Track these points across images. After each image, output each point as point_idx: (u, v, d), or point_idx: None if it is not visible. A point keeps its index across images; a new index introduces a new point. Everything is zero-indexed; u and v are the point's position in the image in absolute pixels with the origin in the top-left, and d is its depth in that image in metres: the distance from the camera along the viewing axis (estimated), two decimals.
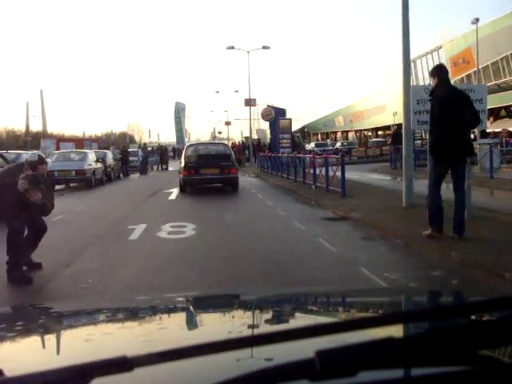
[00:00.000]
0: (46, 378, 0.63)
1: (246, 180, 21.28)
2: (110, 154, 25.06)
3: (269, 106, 26.53)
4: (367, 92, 64.99)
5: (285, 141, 24.45)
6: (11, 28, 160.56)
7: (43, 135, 59.45)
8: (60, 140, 42.94)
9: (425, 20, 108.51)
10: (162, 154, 35.17)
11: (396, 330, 0.91)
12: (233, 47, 35.70)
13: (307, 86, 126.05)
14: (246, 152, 37.14)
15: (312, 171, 15.05)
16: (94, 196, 15.51)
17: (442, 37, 53.34)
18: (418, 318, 0.81)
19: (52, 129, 74.75)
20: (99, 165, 21.19)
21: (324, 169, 14.00)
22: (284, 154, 21.60)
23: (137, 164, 30.85)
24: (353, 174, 17.06)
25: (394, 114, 55.09)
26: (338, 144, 48.88)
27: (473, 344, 0.68)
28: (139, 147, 33.11)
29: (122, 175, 27.13)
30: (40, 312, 1.67)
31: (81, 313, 1.63)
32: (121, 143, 50.69)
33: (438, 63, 7.29)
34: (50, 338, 1.32)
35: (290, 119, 25.70)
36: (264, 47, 35.92)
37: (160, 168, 34.50)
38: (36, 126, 73.06)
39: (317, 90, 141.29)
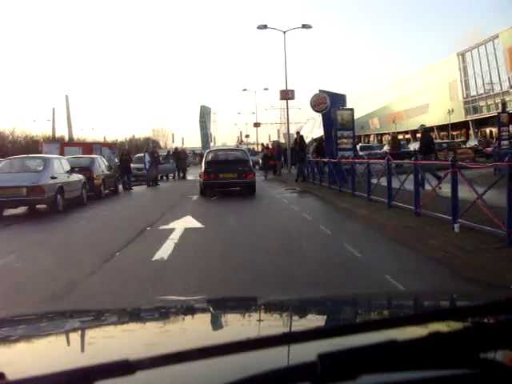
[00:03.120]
0: (49, 381, 0.62)
1: (294, 199, 14.10)
2: (100, 161, 18.08)
3: (322, 90, 19.16)
4: (406, 92, 57.76)
5: (345, 140, 17.14)
6: (37, 35, 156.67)
7: (69, 141, 54.09)
8: (65, 144, 36.46)
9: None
10: (179, 160, 28.32)
11: (397, 334, 0.84)
12: (265, 26, 28.56)
13: (336, 89, 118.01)
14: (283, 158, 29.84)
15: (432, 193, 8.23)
16: (25, 241, 8.32)
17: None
18: (419, 322, 0.82)
19: (77, 134, 69.56)
20: (76, 177, 14.34)
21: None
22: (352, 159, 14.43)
23: (145, 173, 24.21)
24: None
25: (450, 111, 47.49)
26: (386, 147, 41.49)
27: (474, 347, 0.67)
28: (146, 151, 25.42)
29: (122, 188, 20.40)
30: (42, 316, 1.59)
31: (83, 316, 1.58)
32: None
33: None
34: (52, 342, 1.27)
35: (352, 109, 18.12)
36: (304, 26, 28.69)
37: (178, 177, 28.28)
38: (60, 132, 68.07)
39: (348, 92, 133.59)
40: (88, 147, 31.55)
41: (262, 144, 39.03)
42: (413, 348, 0.68)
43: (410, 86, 57.43)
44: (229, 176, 15.11)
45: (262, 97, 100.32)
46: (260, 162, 33.56)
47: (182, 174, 28.32)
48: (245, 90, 53.62)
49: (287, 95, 29.73)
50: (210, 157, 16.49)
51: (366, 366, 0.64)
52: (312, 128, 69.08)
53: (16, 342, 1.25)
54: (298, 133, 24.36)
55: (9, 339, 1.27)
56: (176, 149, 32.32)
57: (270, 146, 30.91)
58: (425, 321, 0.82)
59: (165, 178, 27.89)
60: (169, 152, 32.29)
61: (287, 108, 31.28)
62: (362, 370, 0.64)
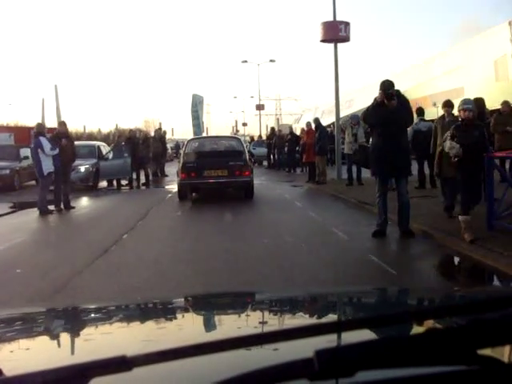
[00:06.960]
0: (45, 377, 0.62)
1: None
2: None
3: None
4: (433, 74, 45.91)
5: None
6: (26, 24, 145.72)
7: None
8: None
9: None
10: (138, 154, 16.24)
11: (395, 330, 0.86)
12: None
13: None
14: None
15: None
16: None
17: None
18: (417, 318, 0.81)
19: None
20: None
21: None
22: None
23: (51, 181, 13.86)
24: None
25: None
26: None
27: (472, 343, 0.67)
28: (38, 135, 10.87)
29: None
30: (39, 312, 1.61)
31: (80, 312, 1.59)
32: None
33: None
34: (49, 338, 1.28)
35: None
36: None
37: (136, 182, 16.34)
38: (50, 122, 59.14)
39: (352, 78, 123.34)
40: (25, 133, 22.13)
41: (269, 128, 28.18)
42: (410, 344, 0.67)
43: (436, 68, 46.07)
44: (217, 174, 11.52)
45: (267, 67, 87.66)
46: (276, 154, 23.35)
47: (145, 179, 16.45)
48: (245, 61, 42.95)
49: (337, 32, 15.23)
50: (191, 147, 12.74)
51: (364, 362, 0.64)
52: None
53: (13, 338, 1.23)
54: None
55: (5, 336, 1.25)
56: (130, 132, 19.18)
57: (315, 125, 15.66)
58: (423, 317, 0.81)
59: (115, 183, 16.66)
60: (118, 142, 18.59)
61: (336, 55, 15.94)
62: (359, 367, 0.63)
